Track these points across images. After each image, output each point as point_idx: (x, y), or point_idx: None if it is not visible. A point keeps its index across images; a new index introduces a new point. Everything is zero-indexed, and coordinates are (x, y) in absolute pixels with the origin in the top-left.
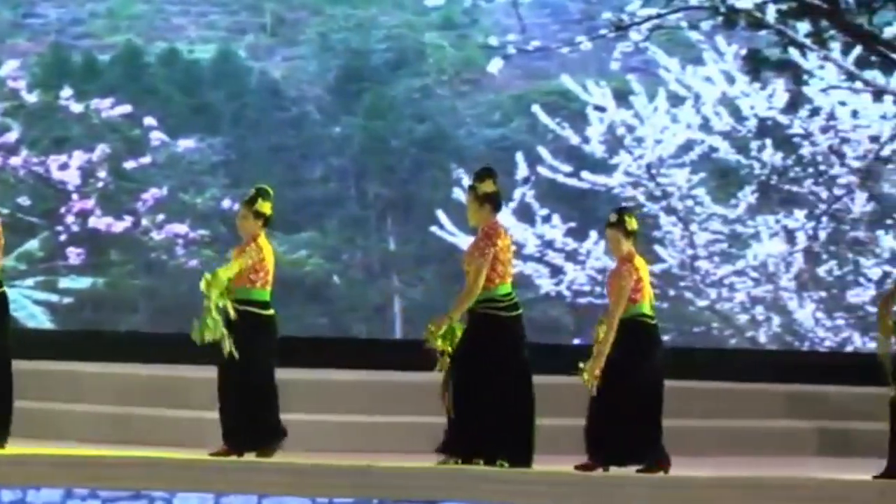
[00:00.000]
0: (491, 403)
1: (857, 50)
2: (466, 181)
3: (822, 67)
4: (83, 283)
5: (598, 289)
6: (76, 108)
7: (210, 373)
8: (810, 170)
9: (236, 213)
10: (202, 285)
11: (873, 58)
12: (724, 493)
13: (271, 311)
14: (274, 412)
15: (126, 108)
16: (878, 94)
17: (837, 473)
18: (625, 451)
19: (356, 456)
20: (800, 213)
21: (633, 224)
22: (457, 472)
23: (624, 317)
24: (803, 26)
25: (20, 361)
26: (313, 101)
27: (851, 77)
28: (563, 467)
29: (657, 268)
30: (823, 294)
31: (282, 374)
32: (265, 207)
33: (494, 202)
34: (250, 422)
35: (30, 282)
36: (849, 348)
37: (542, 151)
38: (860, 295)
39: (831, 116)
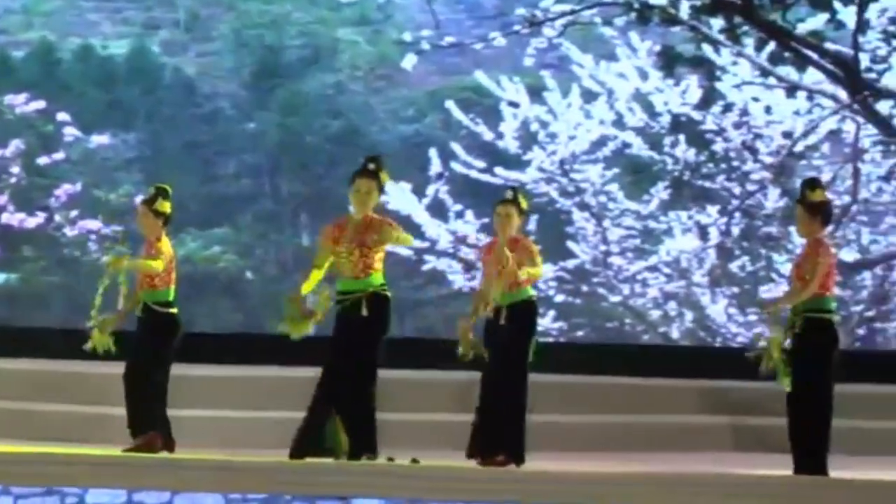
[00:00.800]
0: (370, 391)
1: (771, 46)
2: None
3: (735, 63)
4: None
5: None
6: None
7: (122, 369)
8: (723, 166)
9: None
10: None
11: (787, 54)
12: (639, 489)
13: (176, 310)
14: (164, 410)
15: (40, 104)
16: (792, 89)
17: (752, 468)
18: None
19: (270, 452)
20: (713, 209)
21: (525, 203)
22: (369, 469)
23: (517, 300)
24: (717, 22)
25: None
26: (227, 98)
27: (765, 73)
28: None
29: (570, 263)
30: (736, 290)
31: (196, 371)
32: (165, 206)
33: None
34: (157, 417)
35: None
36: (761, 344)
37: (456, 147)
38: (773, 290)
39: (744, 112)
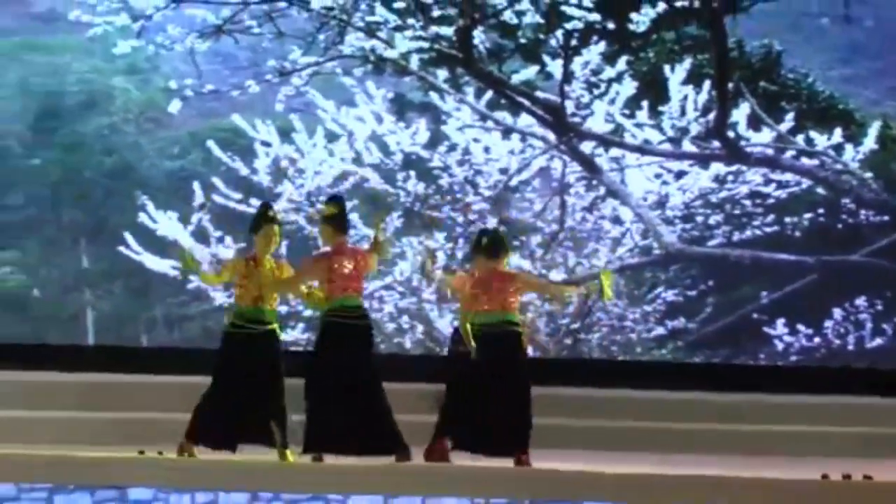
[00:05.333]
0: None
1: (489, 94)
2: (151, 207)
3: (458, 109)
4: None
5: None
6: None
7: None
8: (448, 198)
9: None
10: None
11: (503, 101)
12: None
13: None
14: None
15: None
16: (507, 132)
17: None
18: None
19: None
20: (440, 236)
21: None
22: (142, 461)
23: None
24: (442, 73)
25: None
26: (15, 137)
27: (484, 117)
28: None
29: None
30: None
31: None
32: None
33: None
34: None
35: None
36: None
37: (216, 181)
38: None
39: (466, 151)
